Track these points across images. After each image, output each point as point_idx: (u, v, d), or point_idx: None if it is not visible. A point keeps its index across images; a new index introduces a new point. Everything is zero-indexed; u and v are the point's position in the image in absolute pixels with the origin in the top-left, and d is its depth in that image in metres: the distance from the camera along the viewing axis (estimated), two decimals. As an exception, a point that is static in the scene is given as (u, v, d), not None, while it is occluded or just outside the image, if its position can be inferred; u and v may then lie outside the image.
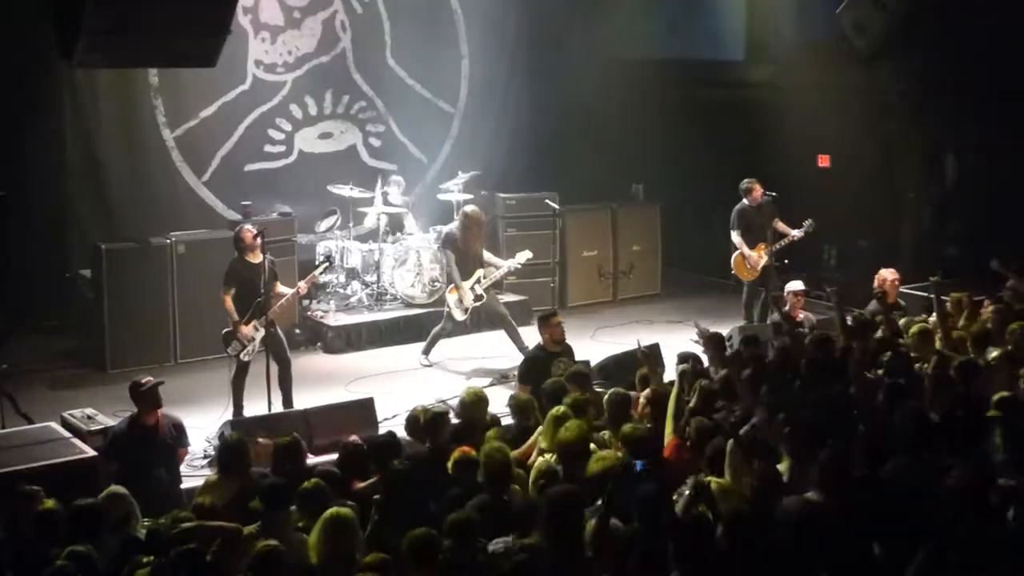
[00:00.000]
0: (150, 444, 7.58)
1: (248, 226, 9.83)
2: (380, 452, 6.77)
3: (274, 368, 9.46)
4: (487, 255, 11.46)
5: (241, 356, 9.51)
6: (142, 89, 12.49)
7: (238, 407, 9.52)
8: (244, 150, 13.25)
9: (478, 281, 11.22)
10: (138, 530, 6.07)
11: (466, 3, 14.49)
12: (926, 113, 12.84)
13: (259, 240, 9.53)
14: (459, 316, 11.29)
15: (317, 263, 10.71)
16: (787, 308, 10.48)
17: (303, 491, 6.14)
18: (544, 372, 8.64)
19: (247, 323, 9.45)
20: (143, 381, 7.78)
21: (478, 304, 11.26)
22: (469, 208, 11.50)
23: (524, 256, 11.44)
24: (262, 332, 9.51)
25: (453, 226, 11.51)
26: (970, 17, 11.88)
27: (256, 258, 9.55)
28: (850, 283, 12.30)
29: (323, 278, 12.10)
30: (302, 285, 9.94)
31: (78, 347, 11.79)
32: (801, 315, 10.61)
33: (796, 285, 10.68)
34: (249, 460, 7.00)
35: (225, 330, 9.55)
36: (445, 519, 5.54)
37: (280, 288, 9.72)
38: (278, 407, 9.50)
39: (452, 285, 11.31)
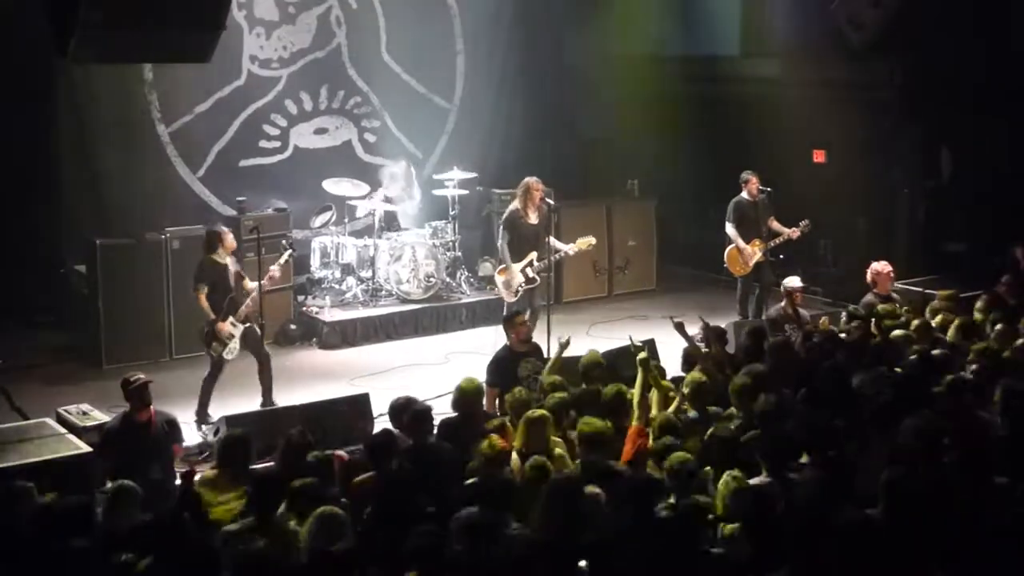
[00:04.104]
0: (143, 441, 7.55)
1: (226, 229, 9.83)
2: (377, 450, 6.74)
3: (254, 364, 9.54)
4: (552, 240, 10.93)
5: (224, 355, 9.51)
6: (137, 84, 12.46)
7: (203, 407, 9.50)
8: (239, 145, 13.22)
9: (530, 264, 10.86)
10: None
11: (462, -2, 14.49)
12: (921, 107, 12.84)
13: (235, 243, 9.70)
14: (509, 298, 10.95)
15: (280, 251, 10.58)
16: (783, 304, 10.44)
17: (295, 489, 6.10)
18: (510, 373, 8.50)
19: (223, 320, 9.47)
20: (132, 379, 7.74)
21: (531, 287, 10.88)
22: (528, 179, 10.99)
23: (587, 241, 11.13)
24: (240, 328, 9.53)
25: (513, 204, 11.01)
26: (965, 11, 11.87)
27: (222, 258, 9.58)
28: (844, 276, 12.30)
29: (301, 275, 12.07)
30: (265, 281, 9.82)
31: (73, 343, 11.75)
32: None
33: (794, 281, 10.64)
34: (252, 456, 6.97)
35: (205, 330, 9.55)
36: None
37: (249, 285, 9.70)
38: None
39: (502, 266, 11.02)
